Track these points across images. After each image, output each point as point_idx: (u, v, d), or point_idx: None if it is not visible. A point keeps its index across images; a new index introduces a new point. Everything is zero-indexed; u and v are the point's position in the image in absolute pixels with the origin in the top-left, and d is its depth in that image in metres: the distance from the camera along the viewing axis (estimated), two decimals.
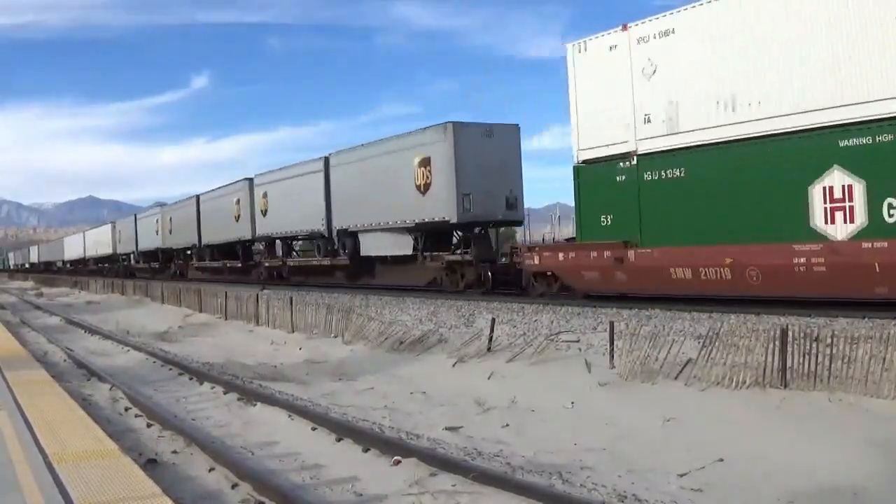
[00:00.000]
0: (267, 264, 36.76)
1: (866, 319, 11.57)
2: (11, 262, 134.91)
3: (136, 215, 59.80)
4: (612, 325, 10.98)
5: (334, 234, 29.84)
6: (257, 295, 21.77)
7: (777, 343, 8.63)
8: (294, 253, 36.55)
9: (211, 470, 7.02)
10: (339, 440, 8.04)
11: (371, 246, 27.71)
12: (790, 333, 8.60)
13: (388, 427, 8.66)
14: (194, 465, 7.27)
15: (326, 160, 30.57)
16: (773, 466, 6.71)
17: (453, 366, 12.06)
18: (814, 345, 8.43)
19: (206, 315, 24.08)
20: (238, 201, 38.92)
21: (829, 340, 8.34)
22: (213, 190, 44.39)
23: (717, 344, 9.33)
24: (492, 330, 12.63)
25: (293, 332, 17.74)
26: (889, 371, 7.80)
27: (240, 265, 39.87)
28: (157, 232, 52.43)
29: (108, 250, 65.21)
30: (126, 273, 58.15)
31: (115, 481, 5.31)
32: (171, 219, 50.04)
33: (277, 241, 36.54)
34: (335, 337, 16.05)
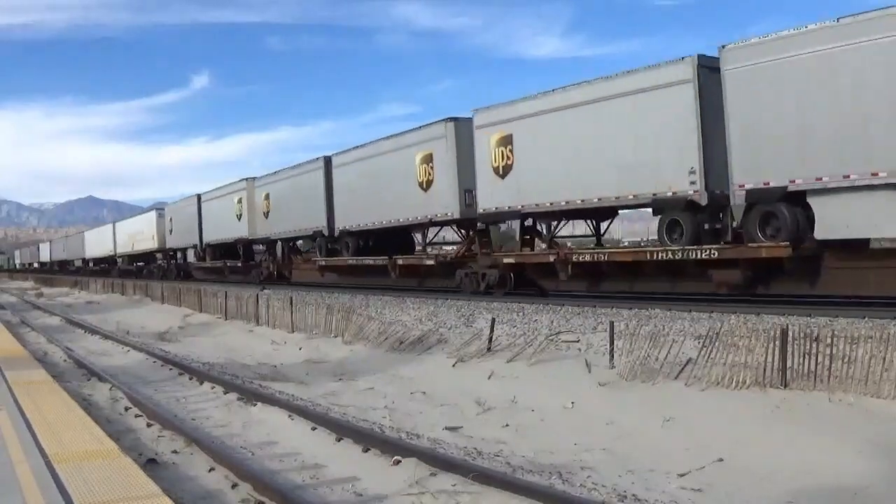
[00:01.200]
0: (509, 260, 20.88)
1: (866, 319, 11.55)
2: (18, 262, 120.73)
3: (199, 196, 42.72)
4: (612, 325, 10.97)
5: (735, 199, 15.53)
6: (257, 295, 21.78)
7: (777, 343, 8.63)
8: (552, 240, 20.94)
9: (211, 470, 7.03)
10: (339, 440, 8.04)
11: (855, 220, 13.70)
12: (790, 333, 8.60)
13: (388, 427, 8.67)
14: (194, 465, 7.28)
15: (700, 61, 15.99)
16: (773, 466, 6.71)
17: (453, 366, 12.06)
18: (814, 345, 8.43)
19: (207, 315, 24.10)
20: (428, 159, 23.12)
21: (829, 340, 8.34)
22: (360, 146, 27.77)
23: (717, 344, 9.33)
24: (492, 330, 12.63)
25: (293, 332, 17.74)
26: (889, 371, 7.80)
27: (432, 262, 23.82)
28: (238, 216, 36.88)
29: (151, 244, 50.23)
30: (179, 274, 45.53)
31: (115, 481, 5.30)
32: (267, 195, 34.33)
33: (501, 224, 23.11)
34: (335, 337, 16.06)
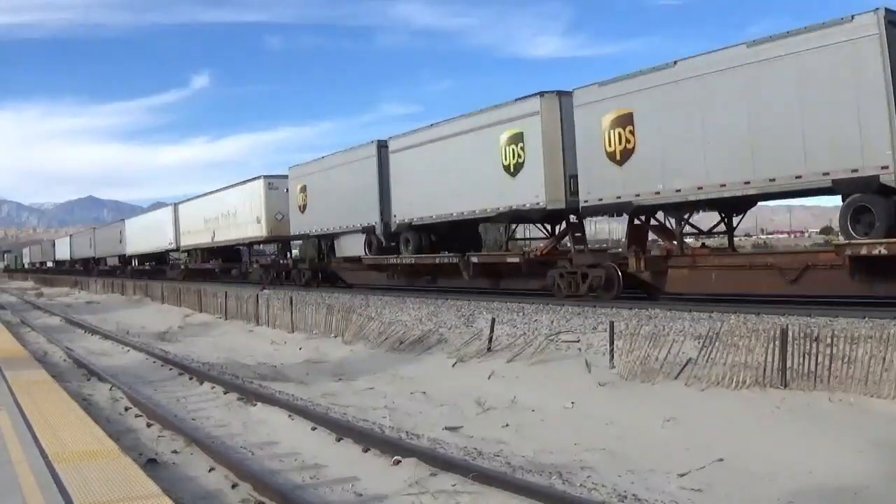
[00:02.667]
0: None
1: (866, 319, 11.56)
2: (26, 261, 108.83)
3: (383, 143, 25.55)
4: (612, 325, 10.97)
5: None
6: (257, 295, 21.77)
7: (777, 343, 8.63)
8: None
9: (211, 470, 7.03)
10: (339, 440, 8.04)
11: None
12: (790, 333, 8.60)
13: (388, 427, 8.66)
14: (194, 465, 7.28)
15: None
16: (773, 466, 6.71)
17: (453, 366, 12.06)
18: (814, 345, 8.43)
19: (207, 315, 24.08)
20: None
21: (829, 340, 8.34)
22: None
23: (717, 344, 9.33)
24: (492, 330, 12.63)
25: (293, 331, 17.74)
26: (889, 371, 7.79)
27: None
28: (511, 168, 19.88)
29: (255, 231, 33.51)
30: (316, 277, 30.25)
31: (115, 481, 5.31)
32: (621, 119, 17.01)
33: None
34: (335, 337, 16.06)
